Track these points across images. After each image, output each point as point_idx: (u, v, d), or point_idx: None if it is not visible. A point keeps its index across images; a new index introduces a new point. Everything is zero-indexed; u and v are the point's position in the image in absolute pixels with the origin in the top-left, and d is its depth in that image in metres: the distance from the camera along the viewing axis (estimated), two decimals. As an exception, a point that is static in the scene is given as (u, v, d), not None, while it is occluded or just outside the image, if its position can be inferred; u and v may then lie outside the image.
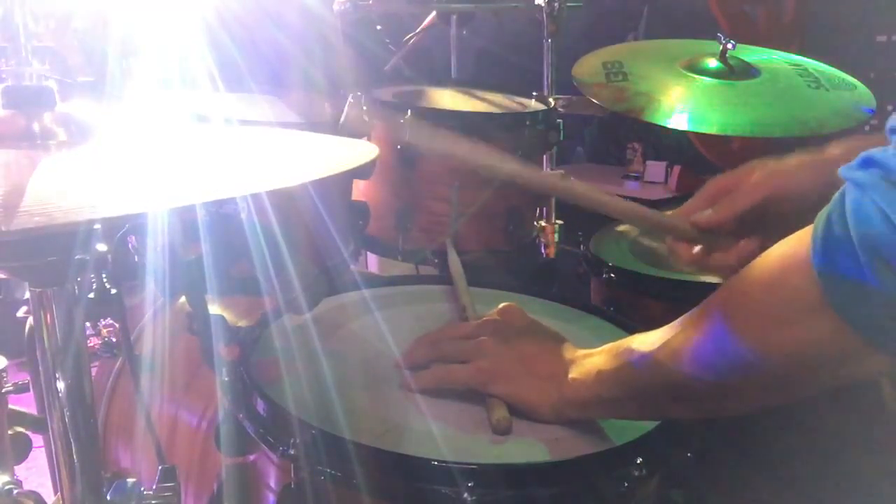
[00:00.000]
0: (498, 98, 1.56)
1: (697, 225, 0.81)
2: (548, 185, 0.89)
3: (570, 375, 0.78)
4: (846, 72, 1.45)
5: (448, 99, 1.52)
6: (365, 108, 1.26)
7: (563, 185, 0.87)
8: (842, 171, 0.55)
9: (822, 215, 0.56)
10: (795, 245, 0.59)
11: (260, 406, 0.77)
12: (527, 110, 1.46)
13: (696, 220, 0.82)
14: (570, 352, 0.82)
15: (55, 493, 0.75)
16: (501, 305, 0.90)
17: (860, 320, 0.54)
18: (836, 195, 0.55)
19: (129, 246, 1.11)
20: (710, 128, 1.32)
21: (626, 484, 0.70)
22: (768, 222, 0.76)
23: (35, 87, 0.66)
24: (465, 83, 1.65)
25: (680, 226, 0.83)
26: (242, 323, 0.91)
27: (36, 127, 0.65)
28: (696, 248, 0.84)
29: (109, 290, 0.86)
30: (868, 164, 0.53)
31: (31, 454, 1.05)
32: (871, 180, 0.52)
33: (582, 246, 1.41)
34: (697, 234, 0.82)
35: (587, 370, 0.77)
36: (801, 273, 0.57)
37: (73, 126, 0.66)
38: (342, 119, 1.22)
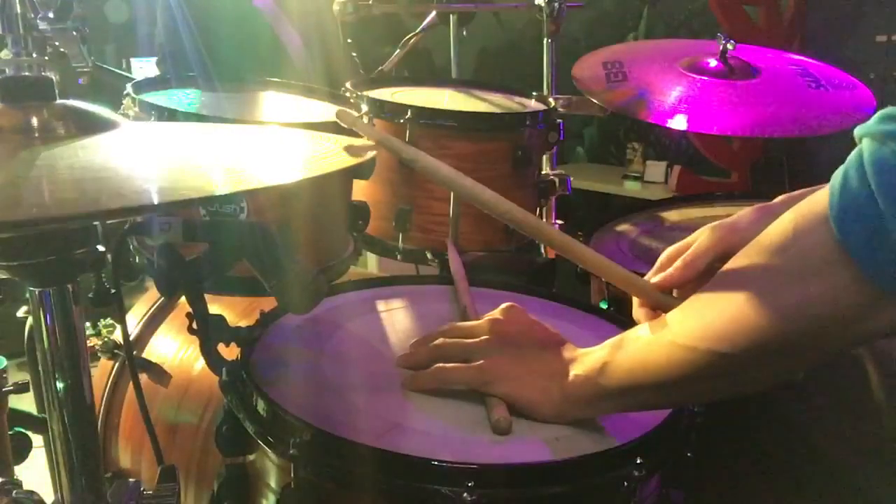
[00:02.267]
0: (498, 98, 1.56)
1: (659, 286, 0.81)
2: (536, 233, 0.90)
3: (573, 373, 0.78)
4: (846, 72, 1.45)
5: (448, 99, 1.52)
6: (365, 108, 1.26)
7: (548, 233, 0.88)
8: (858, 129, 0.57)
9: (838, 173, 0.57)
10: (807, 206, 0.60)
11: (260, 406, 0.77)
12: (527, 110, 1.46)
13: (656, 283, 0.82)
14: (570, 351, 0.82)
15: (55, 493, 0.75)
16: (502, 305, 0.90)
17: (879, 270, 0.55)
18: (853, 153, 0.56)
19: (129, 246, 1.11)
20: (710, 128, 1.32)
21: (626, 484, 0.70)
22: None
23: (34, 80, 0.66)
24: (465, 83, 1.65)
25: (643, 287, 0.83)
26: (242, 323, 0.91)
27: (35, 121, 0.65)
28: (658, 313, 0.84)
29: (109, 290, 0.86)
30: (887, 119, 0.55)
31: (31, 454, 1.06)
32: (891, 131, 0.54)
33: (582, 246, 1.41)
34: (661, 299, 0.82)
35: (591, 366, 0.77)
36: (816, 229, 0.58)
37: (72, 122, 0.66)
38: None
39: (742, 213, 0.81)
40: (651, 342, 0.72)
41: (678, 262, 0.81)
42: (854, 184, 0.55)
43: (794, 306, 0.60)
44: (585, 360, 0.78)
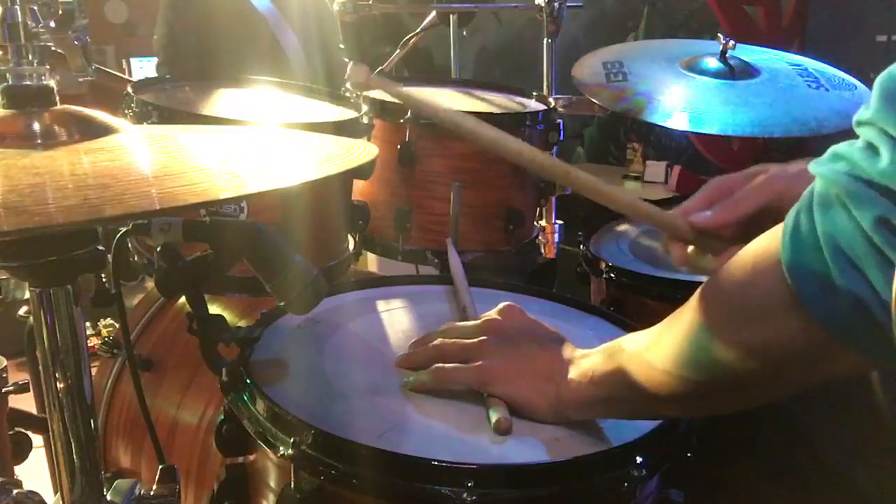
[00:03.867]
0: (498, 98, 1.56)
1: (695, 226, 0.79)
2: (549, 170, 0.86)
3: (569, 376, 0.78)
4: (846, 72, 1.45)
5: (448, 99, 1.52)
6: (365, 108, 1.26)
7: (563, 170, 0.84)
8: (811, 165, 0.54)
9: (791, 212, 0.55)
10: (768, 242, 0.58)
11: (260, 406, 0.77)
12: (527, 110, 1.46)
13: (694, 221, 0.79)
14: (569, 351, 0.82)
15: (55, 493, 0.75)
16: (501, 305, 0.90)
17: (827, 317, 0.53)
18: (806, 191, 0.54)
19: (129, 246, 1.11)
20: (710, 128, 1.32)
21: (626, 484, 0.70)
22: (765, 228, 0.75)
23: (35, 87, 0.66)
24: (465, 83, 1.65)
25: (677, 224, 0.81)
26: (242, 323, 0.91)
27: (36, 127, 0.65)
28: (690, 249, 0.82)
29: (109, 290, 0.86)
30: (835, 158, 0.53)
31: (31, 454, 1.06)
32: (836, 174, 0.51)
33: (582, 246, 1.41)
34: (693, 235, 0.80)
35: (583, 371, 0.77)
36: (772, 270, 0.56)
37: (73, 125, 0.66)
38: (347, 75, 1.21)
39: (795, 165, 0.75)
40: (633, 358, 0.71)
41: (721, 208, 0.77)
42: (803, 227, 0.53)
43: (752, 346, 0.59)
44: (580, 364, 0.78)
